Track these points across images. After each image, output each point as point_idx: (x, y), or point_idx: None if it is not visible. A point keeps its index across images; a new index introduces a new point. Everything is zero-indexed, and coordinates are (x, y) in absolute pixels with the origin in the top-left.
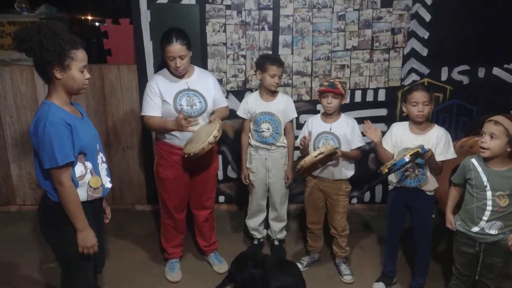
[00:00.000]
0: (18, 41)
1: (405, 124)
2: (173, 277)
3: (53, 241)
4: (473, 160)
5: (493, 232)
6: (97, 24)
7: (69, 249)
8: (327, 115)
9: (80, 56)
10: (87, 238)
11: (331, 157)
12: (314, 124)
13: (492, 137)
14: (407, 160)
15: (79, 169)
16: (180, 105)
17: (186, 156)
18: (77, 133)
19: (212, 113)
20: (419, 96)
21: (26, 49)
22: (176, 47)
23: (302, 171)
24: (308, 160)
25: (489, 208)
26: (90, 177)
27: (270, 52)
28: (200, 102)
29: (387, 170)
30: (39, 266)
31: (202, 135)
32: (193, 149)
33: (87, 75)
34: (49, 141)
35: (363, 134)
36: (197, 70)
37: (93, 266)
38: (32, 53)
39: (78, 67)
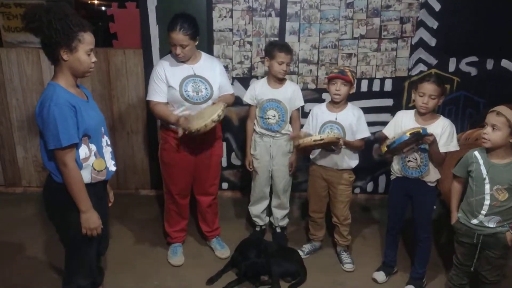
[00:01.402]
0: (28, 20)
1: (411, 113)
2: (175, 261)
3: (57, 222)
4: (476, 153)
5: (491, 225)
6: (103, 8)
7: (73, 230)
8: (334, 104)
9: (87, 38)
10: (90, 220)
11: (333, 144)
12: (320, 113)
13: (494, 128)
14: (407, 138)
15: (83, 151)
16: (186, 91)
17: (187, 132)
18: (81, 115)
19: None
20: (428, 88)
21: (35, 28)
22: (178, 36)
23: (299, 150)
24: (306, 141)
25: (487, 202)
26: (94, 160)
27: (277, 39)
28: (206, 88)
29: (386, 148)
30: (44, 246)
31: (206, 114)
32: (196, 126)
33: (94, 59)
34: (54, 122)
35: (369, 124)
36: (204, 56)
37: (97, 248)
38: (41, 32)
39: (85, 50)
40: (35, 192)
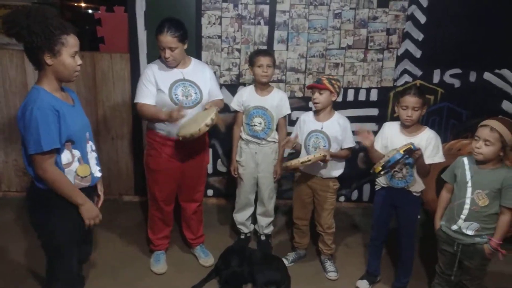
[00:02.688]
0: (7, 25)
1: (397, 124)
2: (158, 269)
3: (39, 227)
4: (464, 159)
5: (469, 232)
6: (90, 11)
7: (55, 236)
8: (320, 113)
9: (70, 41)
10: (90, 210)
11: (320, 161)
12: (306, 121)
13: (486, 143)
14: (401, 156)
15: (65, 156)
16: (175, 95)
17: (181, 138)
18: (65, 120)
19: None
20: (410, 101)
21: (15, 34)
22: (166, 38)
23: (289, 170)
24: (294, 163)
25: (467, 206)
26: (77, 165)
27: (265, 47)
28: (196, 93)
29: (380, 168)
30: (23, 253)
31: (198, 119)
32: (190, 130)
33: (79, 61)
34: (36, 126)
35: (354, 134)
36: (194, 62)
37: (78, 255)
38: (21, 38)
39: (69, 53)
40: (15, 197)
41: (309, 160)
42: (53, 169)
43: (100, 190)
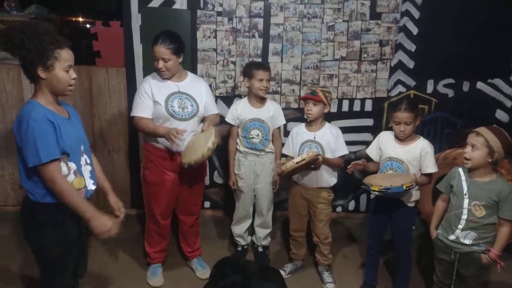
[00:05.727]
0: (1, 40)
1: (392, 133)
2: (155, 282)
3: (33, 242)
4: (460, 170)
5: (467, 242)
6: (87, 26)
7: (49, 251)
8: (311, 124)
9: (64, 55)
10: (100, 224)
11: (313, 162)
12: (299, 133)
13: (473, 148)
14: (402, 190)
15: (62, 169)
16: (172, 107)
17: (186, 166)
18: (60, 133)
19: (202, 121)
20: (402, 116)
21: (8, 48)
22: (160, 49)
23: (284, 176)
24: (289, 165)
25: (464, 217)
26: (73, 178)
27: (260, 60)
28: (192, 105)
29: (377, 189)
30: (19, 267)
31: (200, 143)
32: (193, 157)
33: (73, 75)
34: (33, 139)
35: (350, 144)
36: (190, 76)
37: (74, 270)
38: (15, 52)
39: (62, 67)
40: (12, 211)
41: (303, 160)
42: (61, 179)
43: (116, 202)
